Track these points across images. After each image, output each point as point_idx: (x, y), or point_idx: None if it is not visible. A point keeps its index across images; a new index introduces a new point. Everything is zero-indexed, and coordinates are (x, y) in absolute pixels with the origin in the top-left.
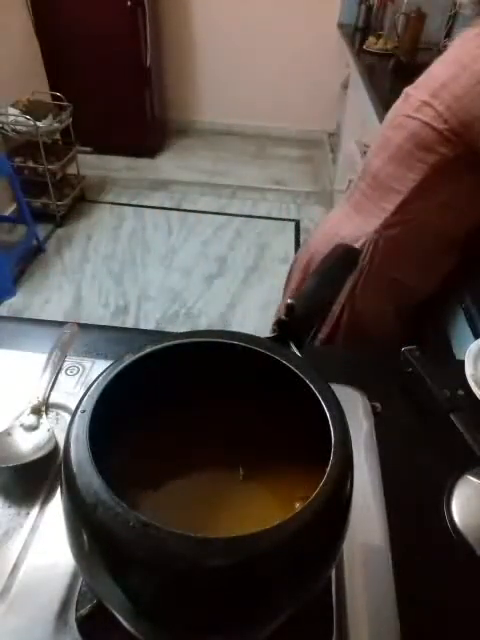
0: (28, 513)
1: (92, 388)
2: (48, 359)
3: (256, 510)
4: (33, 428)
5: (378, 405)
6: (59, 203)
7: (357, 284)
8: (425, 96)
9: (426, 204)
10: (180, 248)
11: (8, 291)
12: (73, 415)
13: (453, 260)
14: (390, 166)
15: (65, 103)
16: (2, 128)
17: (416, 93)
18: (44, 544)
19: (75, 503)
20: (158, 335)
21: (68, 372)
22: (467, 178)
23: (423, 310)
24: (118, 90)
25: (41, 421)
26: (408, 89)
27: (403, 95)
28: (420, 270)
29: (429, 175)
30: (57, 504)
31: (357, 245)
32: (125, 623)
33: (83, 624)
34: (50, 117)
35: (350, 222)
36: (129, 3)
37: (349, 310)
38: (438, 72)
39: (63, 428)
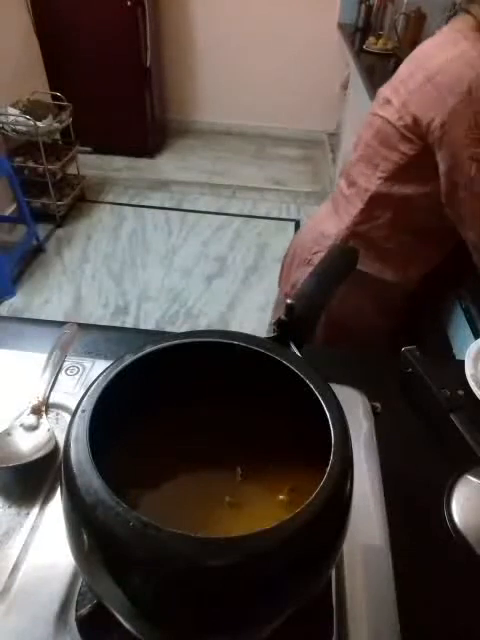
0: (28, 513)
1: (92, 388)
2: (48, 359)
3: (256, 510)
4: (33, 428)
5: (378, 405)
6: (59, 203)
7: None
8: (387, 93)
9: (391, 202)
10: (180, 248)
11: (8, 291)
12: (73, 415)
13: (437, 256)
14: (361, 164)
15: (65, 103)
16: (2, 128)
17: (383, 91)
18: (44, 544)
19: (75, 503)
20: (158, 335)
21: (68, 372)
22: (430, 176)
23: (415, 309)
24: (118, 90)
25: (41, 421)
26: (381, 88)
27: (377, 93)
28: (395, 266)
29: (393, 173)
30: (57, 504)
31: (330, 241)
32: (125, 623)
33: (83, 624)
34: (50, 117)
35: (330, 219)
36: (129, 3)
37: (327, 307)
38: (400, 71)
39: (63, 428)
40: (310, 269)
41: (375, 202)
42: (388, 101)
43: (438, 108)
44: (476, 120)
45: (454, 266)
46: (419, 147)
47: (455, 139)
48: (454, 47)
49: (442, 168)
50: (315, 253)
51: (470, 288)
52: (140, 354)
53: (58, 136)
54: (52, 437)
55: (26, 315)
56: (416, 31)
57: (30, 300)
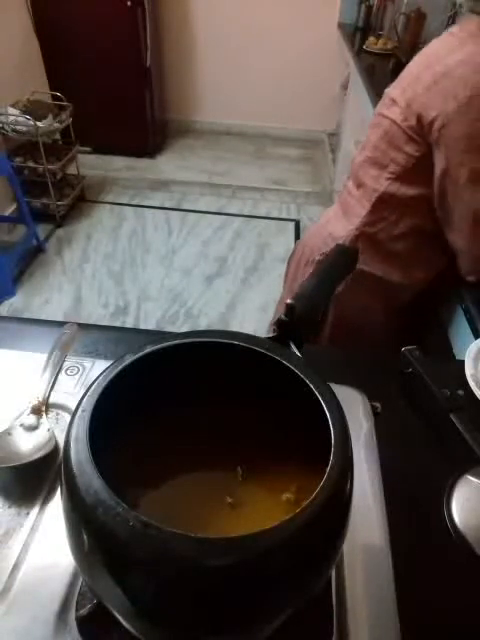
0: (28, 513)
1: (92, 388)
2: (48, 359)
3: (256, 510)
4: (33, 428)
5: (378, 405)
6: (59, 203)
7: None
8: (395, 94)
9: (399, 203)
10: (180, 248)
11: (8, 291)
12: (73, 415)
13: (443, 258)
14: (368, 165)
15: (65, 103)
16: (2, 128)
17: (390, 92)
18: (44, 544)
19: (75, 503)
20: (158, 335)
21: (68, 372)
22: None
23: (419, 309)
24: (118, 90)
25: (41, 421)
26: (387, 88)
27: (384, 94)
28: (403, 267)
29: (400, 174)
30: (57, 504)
31: (340, 242)
32: (125, 623)
33: (83, 624)
34: (50, 117)
35: (338, 220)
36: (129, 3)
37: (334, 306)
38: (408, 71)
39: (63, 428)
40: None
41: (383, 203)
42: (394, 102)
43: (440, 109)
44: (474, 127)
45: (454, 266)
46: (424, 148)
47: (451, 143)
48: (461, 49)
49: (437, 171)
50: (322, 254)
51: (470, 288)
52: (140, 354)
53: (58, 136)
54: (52, 437)
55: (26, 315)
56: (416, 31)
57: (30, 300)
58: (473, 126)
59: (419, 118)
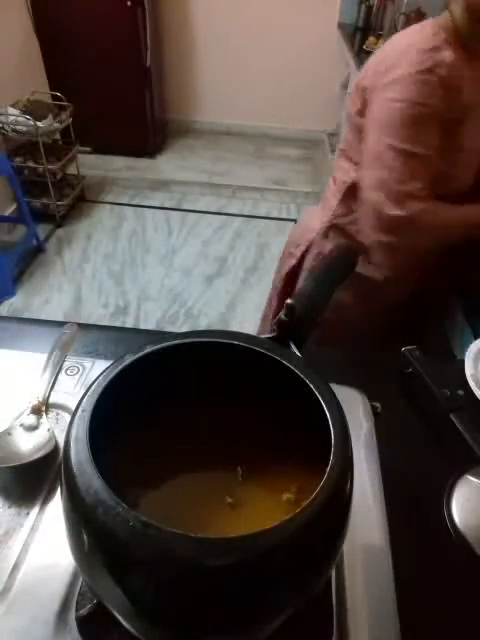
0: (28, 513)
1: (92, 388)
2: (48, 359)
3: (256, 510)
4: (33, 428)
5: (378, 405)
6: (59, 203)
7: None
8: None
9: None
10: (180, 248)
11: (8, 291)
12: (73, 415)
13: (417, 254)
14: (342, 159)
15: (65, 103)
16: (2, 128)
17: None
18: (44, 544)
19: (75, 503)
20: (158, 335)
21: (68, 372)
22: None
23: (419, 309)
24: (118, 90)
25: (41, 421)
26: None
27: None
28: (376, 262)
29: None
30: (57, 504)
31: (313, 235)
32: (125, 623)
33: (83, 624)
34: (50, 117)
35: (315, 215)
36: (129, 3)
37: None
38: (369, 63)
39: (63, 428)
40: (293, 261)
41: (351, 193)
42: (355, 92)
43: (373, 86)
44: (389, 107)
45: (454, 265)
46: None
47: (369, 116)
48: (411, 37)
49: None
50: (297, 246)
51: (470, 288)
52: (140, 354)
53: (58, 136)
54: (52, 437)
55: (26, 315)
56: None
57: (30, 300)
58: (388, 106)
59: (363, 99)
